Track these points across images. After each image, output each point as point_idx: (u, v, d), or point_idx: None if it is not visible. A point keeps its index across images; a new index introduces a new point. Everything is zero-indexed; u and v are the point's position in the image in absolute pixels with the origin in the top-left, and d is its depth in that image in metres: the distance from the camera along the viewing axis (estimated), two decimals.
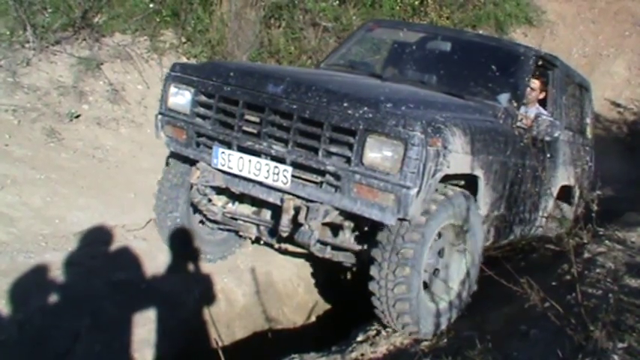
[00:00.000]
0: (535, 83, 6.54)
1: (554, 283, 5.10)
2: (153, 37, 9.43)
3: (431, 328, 5.01)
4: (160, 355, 5.50)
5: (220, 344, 5.71)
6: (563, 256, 5.73)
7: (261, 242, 6.27)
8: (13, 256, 5.53)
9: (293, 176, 4.72)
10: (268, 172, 4.79)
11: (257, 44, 9.72)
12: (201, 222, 6.10)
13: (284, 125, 4.74)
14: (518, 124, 5.76)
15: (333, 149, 4.54)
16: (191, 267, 6.26)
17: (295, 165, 4.70)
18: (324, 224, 4.95)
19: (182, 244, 6.09)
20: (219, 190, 5.60)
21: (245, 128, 4.94)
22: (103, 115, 8.21)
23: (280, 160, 4.75)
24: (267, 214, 5.68)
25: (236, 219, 5.78)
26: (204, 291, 6.12)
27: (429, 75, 6.29)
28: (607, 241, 5.80)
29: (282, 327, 6.65)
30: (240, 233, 5.99)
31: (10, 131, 7.19)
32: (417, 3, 12.29)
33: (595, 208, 5.34)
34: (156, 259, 6.14)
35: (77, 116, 7.91)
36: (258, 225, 5.73)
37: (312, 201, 4.79)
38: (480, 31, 13.63)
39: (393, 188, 4.35)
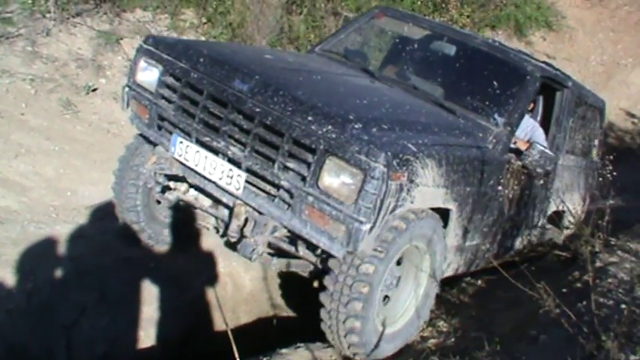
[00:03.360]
0: None
1: (564, 290, 5.06)
2: (174, 15, 9.43)
3: (384, 352, 4.67)
4: (164, 334, 5.49)
5: (229, 328, 5.69)
6: (573, 264, 5.71)
7: (219, 234, 5.55)
8: (24, 225, 5.54)
9: (247, 182, 4.32)
10: (222, 174, 4.41)
11: (277, 29, 9.68)
12: (158, 202, 5.64)
13: (244, 127, 4.31)
14: (511, 146, 5.44)
15: (291, 164, 4.11)
16: (200, 249, 6.24)
17: (250, 172, 4.30)
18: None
19: (137, 224, 5.68)
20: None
21: (208, 121, 4.51)
22: (119, 90, 8.11)
23: (236, 164, 4.36)
24: (224, 210, 5.07)
25: (194, 207, 5.35)
26: (212, 274, 6.09)
27: (425, 80, 5.88)
28: (619, 252, 5.75)
29: (287, 314, 6.63)
30: (199, 222, 5.57)
31: (27, 100, 7.20)
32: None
33: (607, 217, 5.35)
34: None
35: (94, 90, 7.92)
36: (216, 217, 5.26)
37: (262, 213, 4.40)
38: (499, 32, 13.63)
39: (345, 219, 3.94)
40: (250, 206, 4.43)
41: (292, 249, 4.65)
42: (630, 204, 9.12)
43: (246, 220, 4.51)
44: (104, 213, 6.04)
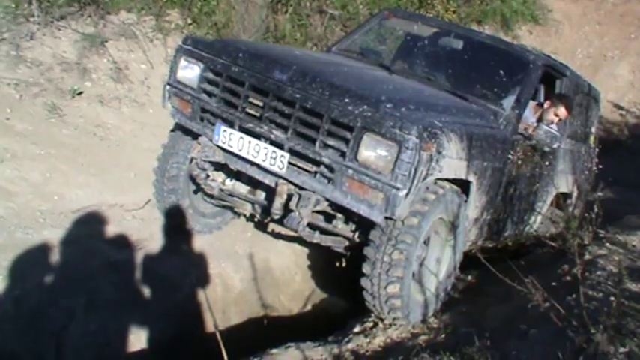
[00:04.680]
0: (562, 112, 6.47)
1: (553, 283, 5.07)
2: (158, 16, 9.34)
3: (418, 317, 5.14)
4: (154, 336, 5.48)
5: (217, 329, 5.69)
6: (562, 256, 5.71)
7: (255, 220, 6.42)
8: (10, 231, 5.50)
9: (289, 163, 4.79)
10: (266, 156, 4.86)
11: (263, 29, 9.65)
12: (195, 192, 6.17)
13: (286, 112, 4.78)
14: (520, 130, 5.87)
15: (330, 142, 4.60)
16: (189, 250, 6.23)
17: (292, 152, 4.77)
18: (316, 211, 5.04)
19: (179, 218, 6.18)
20: (218, 167, 5.68)
21: (248, 110, 4.99)
22: (105, 93, 8.15)
23: (279, 146, 4.82)
24: (261, 195, 5.78)
25: (232, 196, 5.86)
26: (201, 275, 6.10)
27: (437, 72, 6.36)
28: (608, 244, 5.78)
29: (278, 314, 6.63)
30: (235, 209, 6.11)
31: (12, 105, 7.14)
32: None
33: (596, 209, 5.36)
34: (154, 241, 6.12)
35: (79, 93, 7.85)
36: (252, 204, 5.84)
37: (304, 189, 4.87)
38: (486, 27, 13.64)
39: (383, 187, 4.43)
40: (293, 184, 4.93)
41: (330, 226, 5.22)
42: (619, 196, 9.16)
43: (289, 197, 5.00)
44: (91, 217, 6.01)
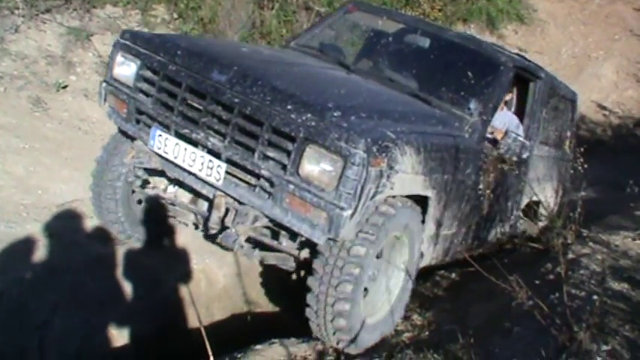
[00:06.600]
0: None
1: (537, 282, 5.08)
2: (144, 11, 9.34)
3: (364, 343, 4.67)
4: (137, 331, 5.45)
5: (201, 324, 5.67)
6: (546, 255, 5.74)
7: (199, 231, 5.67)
8: None
9: (227, 173, 4.37)
10: (202, 165, 4.45)
11: (249, 24, 9.66)
12: (139, 202, 5.78)
13: (224, 118, 4.36)
14: (487, 135, 5.54)
15: (271, 153, 4.17)
16: (173, 245, 6.21)
17: (230, 162, 4.35)
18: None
19: (118, 224, 5.72)
20: (161, 172, 5.11)
21: (186, 113, 4.57)
22: (90, 87, 8.12)
23: (216, 155, 4.40)
24: (203, 205, 5.26)
25: (173, 204, 5.41)
26: (185, 270, 6.06)
27: (400, 72, 5.85)
28: (591, 243, 5.80)
29: (261, 310, 6.61)
30: (178, 219, 5.60)
31: None
32: None
33: (579, 209, 5.40)
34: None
35: (64, 87, 7.83)
36: (195, 214, 5.35)
37: (243, 203, 4.46)
38: (472, 26, 13.68)
39: (326, 206, 3.99)
40: (231, 197, 4.48)
41: (274, 243, 4.74)
42: (602, 196, 9.21)
43: (227, 210, 4.57)
44: (75, 211, 5.98)
